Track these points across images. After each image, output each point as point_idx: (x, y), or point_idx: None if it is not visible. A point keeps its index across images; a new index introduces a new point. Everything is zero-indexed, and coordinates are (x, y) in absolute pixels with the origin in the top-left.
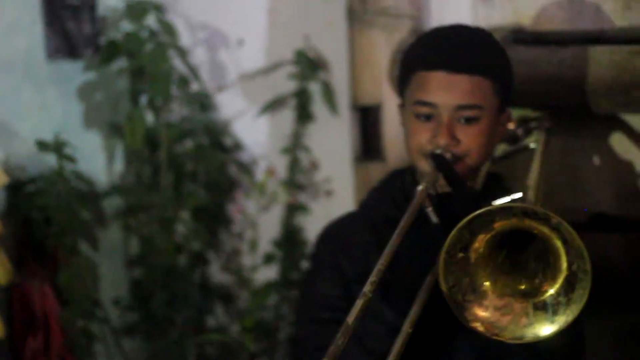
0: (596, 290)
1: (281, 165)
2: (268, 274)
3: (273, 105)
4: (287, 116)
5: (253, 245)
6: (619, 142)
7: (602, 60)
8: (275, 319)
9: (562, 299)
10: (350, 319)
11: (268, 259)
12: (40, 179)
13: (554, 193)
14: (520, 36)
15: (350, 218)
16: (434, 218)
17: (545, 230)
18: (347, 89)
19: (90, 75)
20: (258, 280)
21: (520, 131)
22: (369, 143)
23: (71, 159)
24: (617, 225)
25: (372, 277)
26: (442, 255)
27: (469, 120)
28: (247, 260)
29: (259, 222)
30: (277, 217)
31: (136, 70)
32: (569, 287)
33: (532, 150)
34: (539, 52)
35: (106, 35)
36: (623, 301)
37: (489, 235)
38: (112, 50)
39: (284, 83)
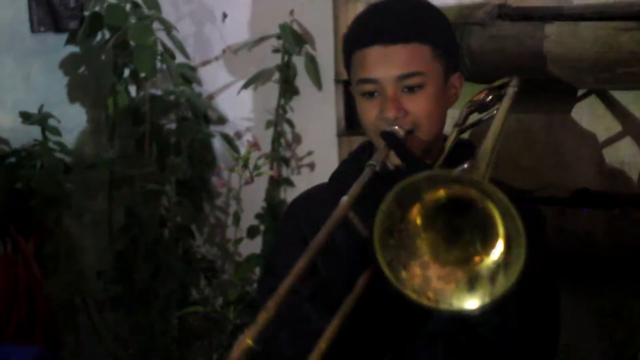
0: (578, 266)
1: (265, 139)
2: (252, 247)
3: (257, 79)
4: (271, 90)
5: (237, 219)
6: (602, 118)
7: (587, 36)
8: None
9: (500, 262)
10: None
11: (251, 232)
12: (24, 151)
13: (537, 169)
14: (505, 11)
15: (318, 191)
16: (362, 230)
17: (475, 194)
18: (332, 63)
19: (75, 48)
20: (242, 253)
21: (489, 99)
22: (353, 117)
23: (55, 131)
24: (600, 201)
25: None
26: (376, 232)
27: (412, 89)
28: (231, 233)
29: (243, 195)
30: (262, 190)
31: (119, 44)
32: (505, 248)
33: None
34: (524, 27)
35: (90, 8)
36: (605, 277)
37: (422, 205)
38: (95, 23)
39: (268, 57)
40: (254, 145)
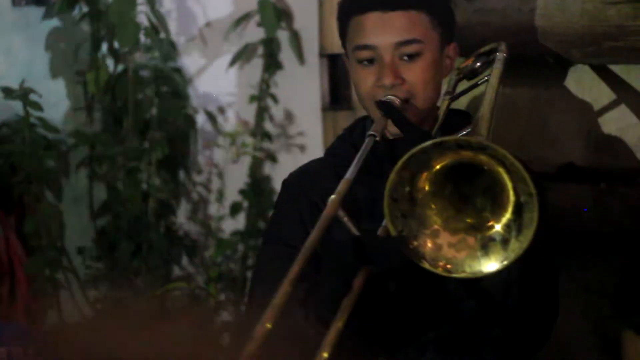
0: (565, 242)
1: (249, 114)
2: (235, 224)
3: (243, 54)
4: (255, 65)
5: (220, 196)
6: (588, 92)
7: (574, 10)
8: (241, 269)
9: (512, 226)
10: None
11: (234, 209)
12: (4, 127)
13: (523, 143)
14: None
15: (314, 165)
16: (352, 229)
17: (485, 159)
18: (316, 37)
19: (55, 22)
20: (225, 230)
21: (478, 65)
22: (337, 91)
23: (37, 106)
24: (587, 175)
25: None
26: (386, 201)
27: (411, 57)
28: (213, 209)
29: (226, 171)
30: (245, 166)
31: (97, 17)
32: (517, 213)
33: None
34: (510, 1)
35: None
36: (591, 253)
37: (431, 173)
38: None
39: (252, 31)
40: (244, 123)
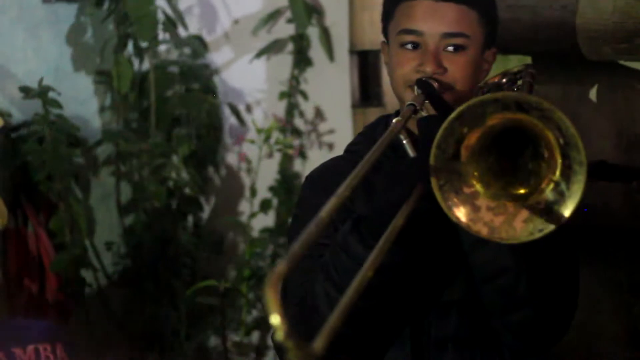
0: (594, 240)
1: (278, 111)
2: (265, 221)
3: (271, 49)
4: (284, 61)
5: (253, 192)
6: (620, 90)
7: (605, 7)
8: (270, 267)
9: (556, 195)
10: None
11: (264, 205)
12: (32, 124)
13: None
14: None
15: (335, 162)
16: (410, 151)
17: (539, 122)
18: (346, 33)
19: (85, 19)
20: (254, 227)
21: (504, 80)
22: (368, 88)
23: (56, 104)
24: (618, 173)
25: (332, 201)
26: (433, 150)
27: (456, 49)
28: (242, 206)
29: (255, 168)
30: (274, 163)
31: (122, 14)
32: (564, 182)
33: None
34: None
35: None
36: (621, 251)
37: (480, 132)
38: None
39: (281, 28)
40: (278, 120)
